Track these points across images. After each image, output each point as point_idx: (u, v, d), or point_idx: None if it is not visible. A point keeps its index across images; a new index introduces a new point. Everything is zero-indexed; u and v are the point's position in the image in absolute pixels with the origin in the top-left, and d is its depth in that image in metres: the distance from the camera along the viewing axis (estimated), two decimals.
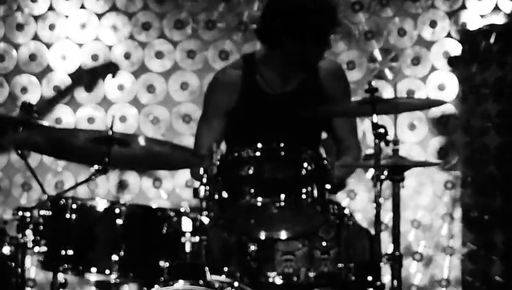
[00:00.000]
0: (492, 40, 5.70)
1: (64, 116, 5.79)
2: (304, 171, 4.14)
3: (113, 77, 5.74)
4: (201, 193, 4.12)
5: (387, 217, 4.47)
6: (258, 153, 4.14)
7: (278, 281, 4.24)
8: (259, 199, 4.11)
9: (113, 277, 4.21)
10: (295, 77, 4.84)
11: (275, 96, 4.84)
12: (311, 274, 4.25)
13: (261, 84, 4.85)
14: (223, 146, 4.87)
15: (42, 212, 4.18)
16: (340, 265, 4.26)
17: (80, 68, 5.79)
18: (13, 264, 4.09)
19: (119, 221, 4.20)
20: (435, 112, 5.74)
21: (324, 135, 5.04)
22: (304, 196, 4.12)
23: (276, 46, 4.74)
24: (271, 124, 4.74)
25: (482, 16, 5.74)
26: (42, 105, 5.70)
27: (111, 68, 5.74)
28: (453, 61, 5.74)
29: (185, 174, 5.71)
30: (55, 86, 5.79)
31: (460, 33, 5.75)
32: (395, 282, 4.37)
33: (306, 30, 4.65)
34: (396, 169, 4.39)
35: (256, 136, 4.32)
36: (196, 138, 4.95)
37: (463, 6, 5.74)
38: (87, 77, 5.79)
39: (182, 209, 4.35)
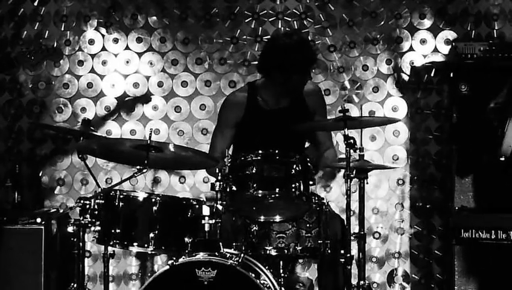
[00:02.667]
0: (432, 74, 5.69)
1: (113, 129, 5.76)
2: (293, 171, 4.14)
3: (146, 103, 5.74)
4: (217, 187, 4.12)
5: (354, 205, 4.44)
6: (259, 157, 4.15)
7: (273, 253, 4.23)
8: (260, 191, 4.12)
9: (150, 250, 4.20)
10: (285, 97, 4.83)
11: (270, 112, 4.84)
12: (298, 248, 4.24)
13: (260, 103, 4.85)
14: (231, 151, 4.85)
15: (97, 201, 4.17)
16: (319, 241, 4.25)
17: (123, 97, 5.76)
18: (75, 239, 4.08)
19: (155, 208, 4.20)
20: (390, 127, 5.72)
21: (307, 144, 5.03)
22: (293, 190, 4.13)
23: (269, 77, 4.75)
24: (268, 134, 4.73)
25: (424, 56, 5.72)
26: (97, 121, 5.68)
27: (144, 99, 5.74)
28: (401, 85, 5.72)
29: (203, 173, 5.68)
30: (106, 106, 5.76)
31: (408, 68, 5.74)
32: (361, 254, 4.37)
33: (290, 66, 4.65)
34: (361, 170, 4.39)
35: (257, 143, 4.31)
36: (211, 144, 4.93)
37: (411, 49, 5.72)
38: (127, 104, 5.77)
39: (202, 199, 4.34)
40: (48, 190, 5.76)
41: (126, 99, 5.74)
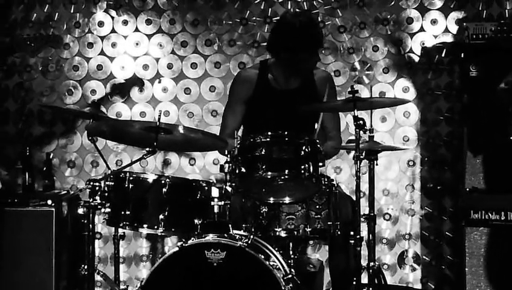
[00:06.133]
0: (443, 54, 5.66)
1: (123, 112, 5.77)
2: (302, 153, 4.13)
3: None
4: (226, 169, 4.12)
5: (364, 187, 4.44)
6: (268, 139, 4.14)
7: (283, 234, 4.23)
8: (269, 173, 4.11)
9: (159, 231, 4.20)
10: (296, 78, 4.84)
11: (281, 92, 4.85)
12: (308, 229, 4.23)
13: (271, 82, 4.87)
14: (241, 132, 4.85)
15: (107, 182, 4.18)
16: (329, 223, 4.24)
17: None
18: (86, 221, 4.09)
19: (164, 189, 4.20)
20: (400, 108, 5.71)
21: (317, 126, 5.02)
22: (302, 171, 4.12)
23: (277, 57, 4.76)
24: (278, 114, 4.73)
25: (435, 36, 5.69)
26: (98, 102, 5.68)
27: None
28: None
29: (212, 154, 5.69)
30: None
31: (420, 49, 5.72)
32: (371, 236, 4.36)
33: (297, 47, 4.66)
34: (371, 151, 4.37)
35: (267, 124, 4.31)
36: (222, 122, 4.95)
37: (421, 29, 5.70)
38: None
39: (211, 181, 4.34)
40: (59, 172, 5.78)
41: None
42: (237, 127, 4.86)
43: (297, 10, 5.66)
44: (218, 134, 4.81)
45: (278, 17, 5.59)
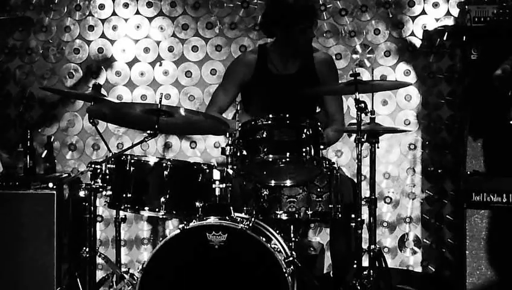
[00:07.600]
0: (445, 38, 5.64)
1: (124, 95, 5.77)
2: (303, 135, 4.12)
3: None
4: (227, 151, 4.12)
5: (365, 170, 4.44)
6: (269, 121, 4.13)
7: (284, 217, 4.24)
8: (270, 155, 4.10)
9: (161, 214, 4.21)
10: (294, 62, 4.83)
11: (279, 76, 4.83)
12: (309, 212, 4.24)
13: (269, 67, 4.85)
14: (242, 117, 4.84)
15: (108, 165, 4.18)
16: (330, 206, 4.25)
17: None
18: (87, 204, 4.09)
19: (166, 172, 4.20)
20: (401, 91, 5.70)
21: (318, 109, 5.02)
22: (303, 154, 4.11)
23: (271, 35, 4.75)
24: (277, 98, 4.72)
25: (437, 20, 5.68)
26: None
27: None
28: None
29: (214, 137, 5.69)
30: (117, 71, 5.75)
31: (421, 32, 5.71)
32: (371, 219, 4.36)
33: (289, 21, 4.65)
34: (372, 134, 4.37)
35: (266, 109, 4.30)
36: (211, 98, 4.96)
37: (423, 12, 5.68)
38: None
39: (212, 164, 4.35)
40: (60, 155, 5.78)
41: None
42: (225, 107, 4.86)
43: None
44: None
45: None
